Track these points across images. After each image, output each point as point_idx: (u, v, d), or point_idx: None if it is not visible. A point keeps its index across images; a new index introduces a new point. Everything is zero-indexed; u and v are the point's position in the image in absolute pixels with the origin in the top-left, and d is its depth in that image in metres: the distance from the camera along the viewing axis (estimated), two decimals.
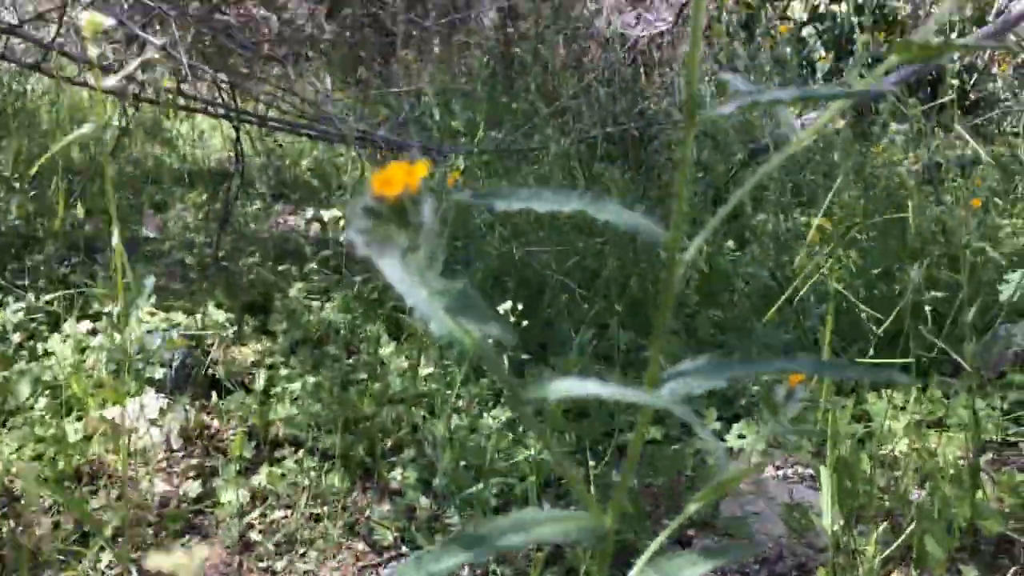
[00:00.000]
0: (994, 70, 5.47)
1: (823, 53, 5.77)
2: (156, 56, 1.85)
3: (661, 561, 0.66)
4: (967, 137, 3.61)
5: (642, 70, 5.14)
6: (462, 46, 5.01)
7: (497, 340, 0.53)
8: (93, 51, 1.07)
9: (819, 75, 5.22)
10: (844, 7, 5.95)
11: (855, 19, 5.87)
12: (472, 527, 0.58)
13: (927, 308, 1.98)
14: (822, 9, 5.99)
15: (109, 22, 1.03)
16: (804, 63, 5.55)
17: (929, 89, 5.02)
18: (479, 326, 0.49)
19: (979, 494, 1.43)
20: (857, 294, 2.62)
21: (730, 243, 3.02)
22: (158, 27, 2.05)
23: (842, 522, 1.43)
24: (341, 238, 3.32)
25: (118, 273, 1.24)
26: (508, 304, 1.69)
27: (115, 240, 1.18)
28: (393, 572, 1.53)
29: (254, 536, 1.57)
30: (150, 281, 1.41)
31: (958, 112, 4.63)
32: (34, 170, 2.05)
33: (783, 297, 2.06)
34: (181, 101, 2.53)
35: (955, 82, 5.56)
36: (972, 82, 5.42)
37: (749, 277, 2.59)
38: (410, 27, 4.59)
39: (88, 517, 1.51)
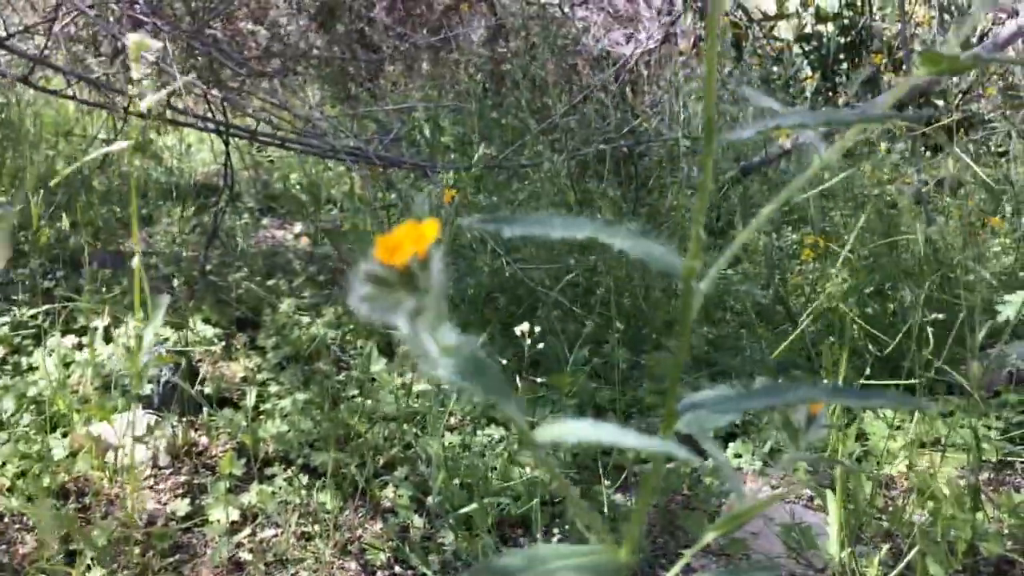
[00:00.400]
0: (980, 91, 5.52)
1: (809, 73, 5.81)
2: (147, 69, 1.82)
3: None
4: (964, 158, 3.62)
5: (631, 88, 5.16)
6: (451, 63, 5.01)
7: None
8: (136, 72, 1.05)
9: (807, 94, 5.24)
10: (830, 28, 6.00)
11: (840, 40, 5.92)
12: (482, 565, 0.55)
13: (924, 328, 1.97)
14: (808, 29, 6.03)
15: (156, 45, 1.01)
16: (791, 82, 5.59)
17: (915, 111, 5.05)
18: (489, 396, 0.48)
19: (979, 515, 1.42)
20: (850, 312, 2.62)
21: (723, 260, 3.01)
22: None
23: (844, 543, 1.41)
24: (330, 251, 3.30)
25: (136, 294, 1.22)
26: (525, 326, 1.67)
27: (135, 261, 1.15)
28: None
29: (244, 555, 1.54)
30: (164, 299, 1.38)
31: (960, 134, 4.66)
32: (54, 182, 2.01)
33: (782, 315, 2.05)
34: (171, 116, 2.50)
35: (940, 103, 5.62)
36: (956, 104, 5.46)
37: (741, 295, 2.59)
38: (399, 43, 4.59)
39: (83, 535, 1.47)
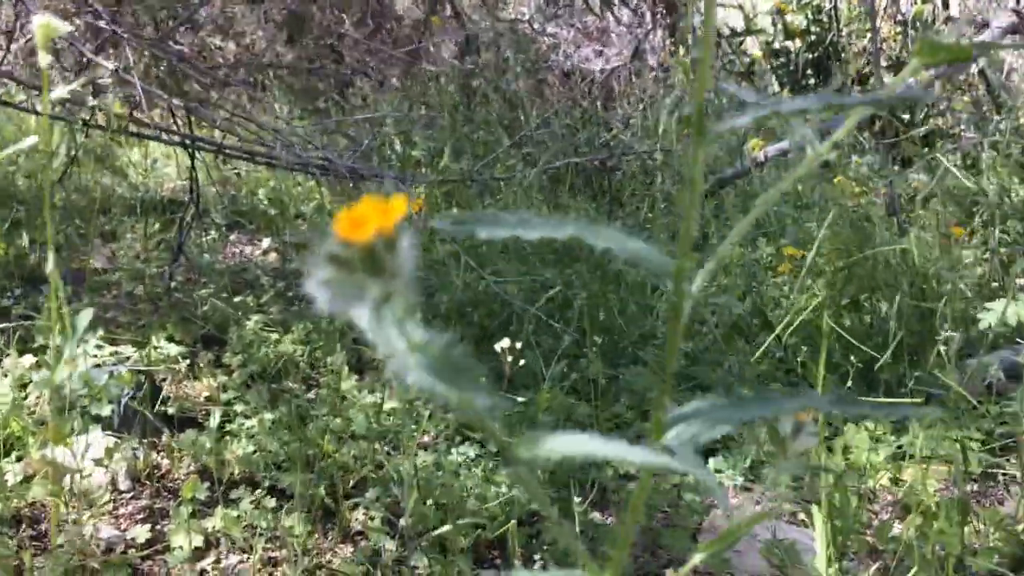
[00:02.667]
0: (943, 105, 5.57)
1: (778, 88, 5.85)
2: (108, 78, 1.77)
3: None
4: (949, 166, 3.64)
5: (600, 103, 5.14)
6: (422, 77, 4.97)
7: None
8: (44, 60, 0.99)
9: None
10: (798, 43, 6.05)
11: (808, 55, 5.96)
12: None
13: (902, 339, 1.95)
14: (776, 45, 6.07)
15: (64, 28, 0.95)
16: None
17: (884, 125, 5.08)
18: (466, 393, 0.42)
19: (967, 529, 1.39)
20: (827, 324, 2.60)
21: (700, 272, 2.99)
22: (111, 51, 1.96)
23: (831, 559, 1.37)
24: (299, 268, 3.23)
25: (53, 304, 1.16)
26: (506, 342, 1.62)
27: (50, 266, 1.09)
28: None
29: None
30: (87, 313, 1.31)
31: (930, 146, 4.70)
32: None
33: (760, 328, 2.02)
34: (134, 128, 2.43)
35: (907, 116, 5.67)
36: (924, 116, 5.51)
37: (718, 308, 2.56)
38: (369, 58, 4.54)
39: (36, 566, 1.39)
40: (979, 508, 1.59)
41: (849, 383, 1.92)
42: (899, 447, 1.82)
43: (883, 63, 5.66)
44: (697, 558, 0.64)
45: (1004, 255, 2.83)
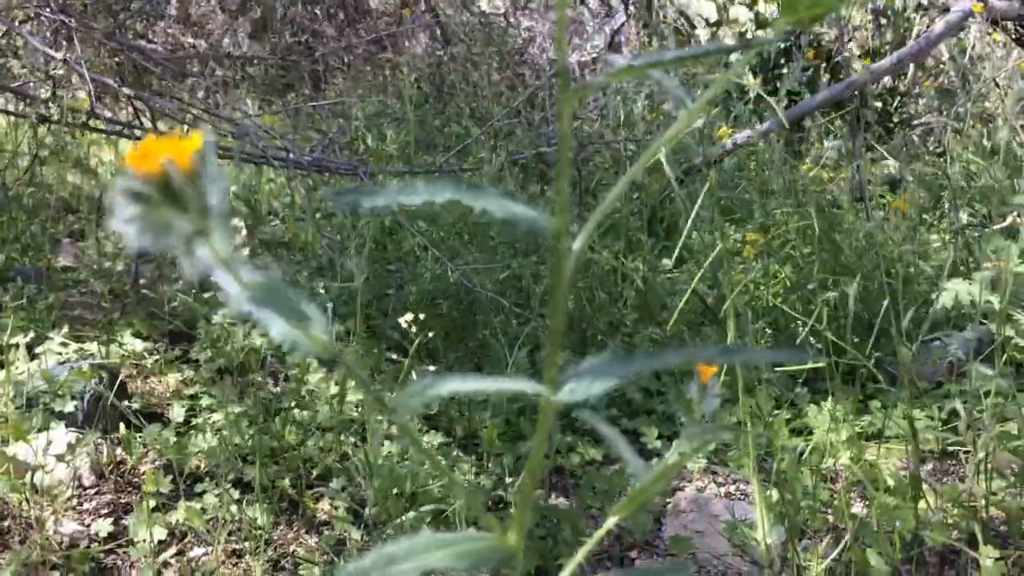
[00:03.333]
0: (916, 90, 5.62)
1: (751, 78, 5.87)
2: (60, 70, 1.75)
3: None
4: (893, 155, 3.67)
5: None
6: (394, 68, 4.96)
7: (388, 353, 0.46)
8: None
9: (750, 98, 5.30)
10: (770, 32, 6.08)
11: (779, 45, 5.98)
12: (353, 561, 0.50)
13: (870, 322, 1.97)
14: (749, 35, 6.09)
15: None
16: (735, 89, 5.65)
17: (856, 111, 5.12)
18: (291, 322, 0.43)
19: (921, 505, 1.40)
20: (794, 308, 2.62)
21: (666, 261, 3.00)
22: (65, 44, 1.94)
23: (785, 537, 1.39)
24: (270, 263, 3.22)
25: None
26: (410, 316, 1.64)
27: None
28: None
29: None
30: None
31: (895, 132, 4.73)
32: None
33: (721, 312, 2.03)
34: (95, 123, 2.41)
35: (879, 104, 5.70)
36: (896, 103, 5.55)
37: (685, 294, 2.57)
38: (342, 51, 4.52)
39: None
40: (939, 485, 1.60)
41: (811, 364, 1.94)
42: (860, 428, 1.84)
43: (856, 51, 5.70)
44: (611, 521, 0.64)
45: (969, 237, 2.86)
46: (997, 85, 4.25)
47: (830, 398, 2.06)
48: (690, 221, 2.23)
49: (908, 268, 2.72)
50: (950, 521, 1.51)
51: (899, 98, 5.55)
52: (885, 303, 2.26)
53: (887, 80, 5.48)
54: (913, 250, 2.82)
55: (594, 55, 5.91)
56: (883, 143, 4.65)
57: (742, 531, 1.50)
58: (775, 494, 1.45)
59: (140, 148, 0.37)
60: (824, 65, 5.41)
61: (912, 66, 4.81)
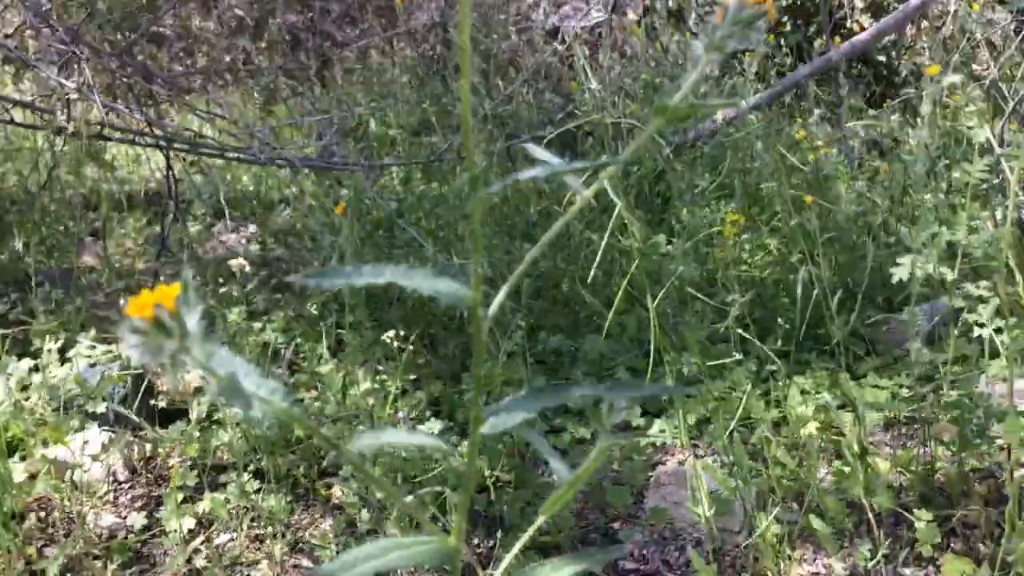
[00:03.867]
0: (918, 44, 5.63)
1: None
2: (73, 95, 1.89)
3: (524, 571, 0.74)
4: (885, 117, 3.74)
5: (585, 63, 5.17)
6: (399, 50, 5.05)
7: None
8: None
9: (749, 66, 5.35)
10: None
11: (782, 3, 6.00)
12: (326, 564, 0.65)
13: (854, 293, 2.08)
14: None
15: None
16: (737, 54, 5.68)
17: (848, 73, 5.17)
18: (245, 409, 0.57)
19: (885, 468, 1.54)
20: (783, 280, 2.74)
21: (661, 237, 3.12)
22: (75, 67, 2.08)
23: (751, 504, 1.53)
24: (282, 254, 3.37)
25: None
26: (392, 332, 1.79)
27: None
28: None
29: (200, 562, 1.63)
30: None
31: (891, 92, 4.78)
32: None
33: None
34: (109, 133, 2.56)
35: (882, 59, 5.73)
36: (898, 59, 5.57)
37: (676, 272, 2.69)
38: (348, 27, 4.62)
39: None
40: (898, 452, 1.74)
41: (795, 336, 2.07)
42: (830, 399, 1.97)
43: (860, 3, 5.72)
44: (541, 519, 0.78)
45: (954, 200, 2.95)
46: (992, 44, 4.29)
47: (808, 368, 2.20)
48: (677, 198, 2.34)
49: (890, 237, 2.83)
50: (904, 485, 1.65)
51: (904, 50, 5.58)
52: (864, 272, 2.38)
53: (890, 36, 5.50)
54: (899, 217, 2.92)
55: (596, 20, 5.95)
56: (885, 101, 4.71)
57: (715, 503, 1.64)
58: (738, 465, 1.59)
59: (138, 299, 0.52)
60: (828, 20, 5.43)
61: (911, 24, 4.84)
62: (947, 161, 3.35)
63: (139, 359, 0.54)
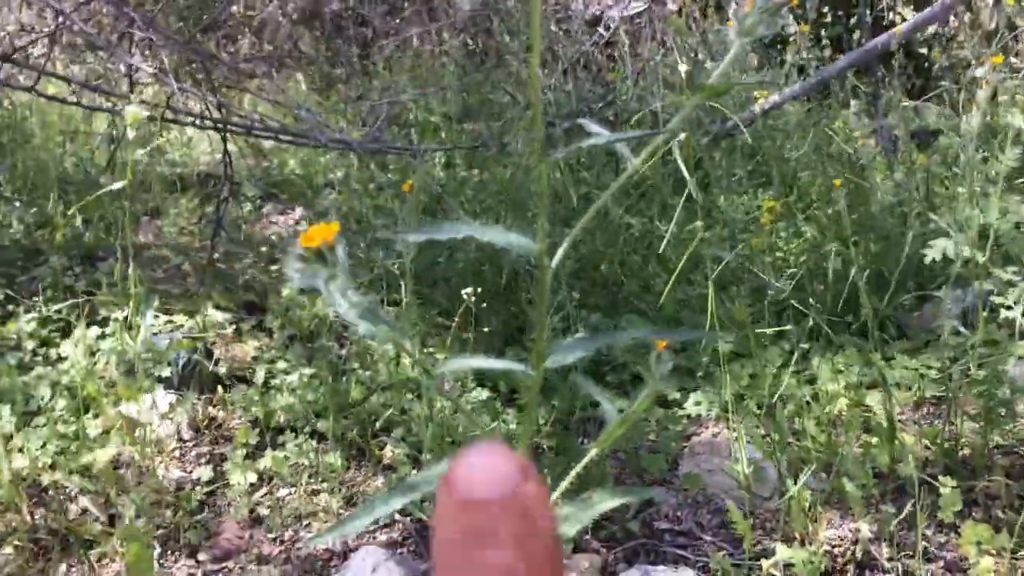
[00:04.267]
0: (960, 36, 5.62)
1: (795, 28, 5.90)
2: (148, 77, 2.01)
3: (574, 501, 0.83)
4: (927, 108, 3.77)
5: (623, 52, 5.23)
6: (439, 39, 5.14)
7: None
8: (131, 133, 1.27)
9: (792, 55, 5.38)
10: None
11: None
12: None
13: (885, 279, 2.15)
14: None
15: (145, 114, 1.22)
16: (780, 35, 5.72)
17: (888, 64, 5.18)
18: (377, 328, 0.67)
19: (896, 444, 1.61)
20: (818, 266, 2.80)
21: (699, 223, 3.18)
22: (148, 52, 2.20)
23: (783, 472, 1.61)
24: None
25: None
26: (470, 288, 1.88)
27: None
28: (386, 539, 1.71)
29: (263, 511, 1.75)
30: (153, 302, 1.58)
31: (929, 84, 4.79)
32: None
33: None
34: (171, 115, 2.68)
35: (924, 51, 5.74)
36: (939, 51, 5.57)
37: (714, 257, 2.77)
38: (387, 26, 4.73)
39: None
40: (924, 427, 1.81)
41: (826, 319, 2.14)
42: (863, 377, 2.04)
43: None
44: (593, 452, 0.88)
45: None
46: None
47: (840, 351, 2.27)
48: (709, 186, 2.41)
49: (927, 225, 2.88)
50: (930, 459, 1.72)
51: (945, 43, 5.58)
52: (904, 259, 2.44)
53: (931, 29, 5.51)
54: (931, 206, 2.97)
55: (639, 8, 5.99)
56: (925, 93, 4.72)
57: (748, 470, 1.73)
58: (772, 435, 1.67)
59: (307, 233, 0.62)
60: (866, 11, 5.44)
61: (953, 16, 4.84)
62: (985, 153, 3.38)
63: (297, 283, 0.64)
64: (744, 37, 0.79)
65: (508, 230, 0.79)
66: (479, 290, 2.68)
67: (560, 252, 0.77)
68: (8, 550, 1.63)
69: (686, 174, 1.85)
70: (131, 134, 1.28)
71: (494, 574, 0.19)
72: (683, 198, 3.27)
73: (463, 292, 2.08)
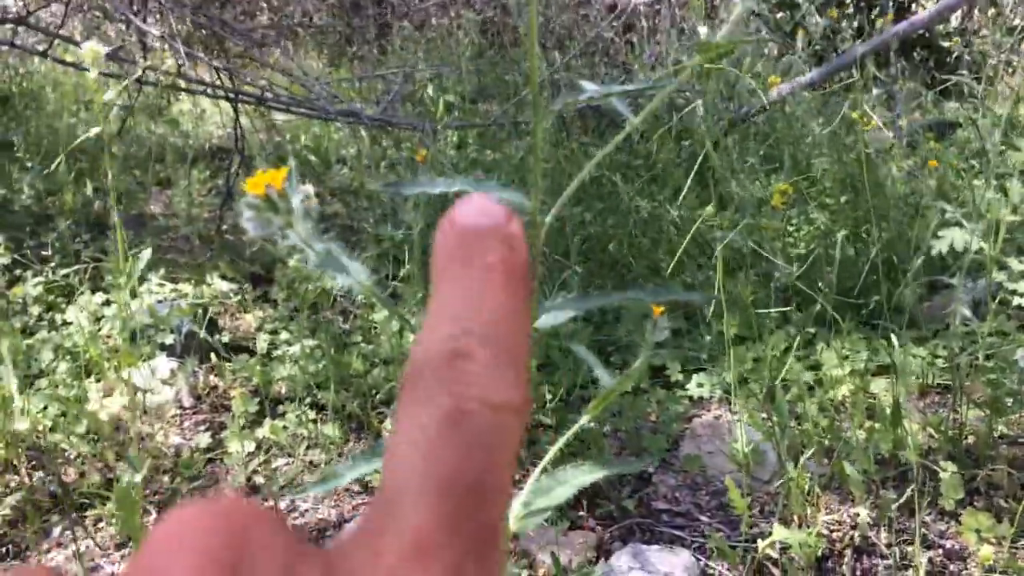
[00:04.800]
0: (982, 29, 5.55)
1: (817, 19, 5.85)
2: (156, 42, 1.99)
3: (556, 471, 0.82)
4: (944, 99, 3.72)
5: (644, 34, 5.18)
6: (455, 18, 5.11)
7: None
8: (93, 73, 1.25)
9: (801, 39, 5.32)
10: None
11: None
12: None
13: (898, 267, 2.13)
14: None
15: (105, 51, 1.20)
16: (800, 25, 5.66)
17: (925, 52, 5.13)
18: (339, 274, 0.66)
19: (900, 431, 1.60)
20: (828, 252, 2.78)
21: (710, 208, 3.16)
22: (158, 17, 2.19)
23: (783, 455, 1.60)
24: (339, 210, 3.49)
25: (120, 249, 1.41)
26: None
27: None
28: None
29: (260, 480, 1.75)
30: (146, 253, 1.58)
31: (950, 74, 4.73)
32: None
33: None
34: (182, 83, 2.67)
35: (946, 44, 5.67)
36: (965, 43, 5.50)
37: (722, 241, 2.74)
38: (403, 3, 4.71)
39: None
40: (931, 416, 1.79)
41: (832, 307, 2.12)
42: (868, 363, 2.02)
43: None
44: (584, 419, 0.86)
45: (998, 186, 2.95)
46: None
47: (848, 336, 2.24)
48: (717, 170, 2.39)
49: (939, 216, 2.84)
50: (933, 447, 1.70)
51: (969, 36, 5.51)
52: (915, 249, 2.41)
53: (955, 17, 5.45)
54: (942, 196, 2.93)
55: None
56: (942, 85, 4.66)
57: (748, 452, 1.71)
58: (772, 418, 1.65)
59: (254, 179, 0.60)
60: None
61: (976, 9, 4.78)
62: (1003, 146, 3.34)
63: (253, 232, 0.63)
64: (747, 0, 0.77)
65: (502, 186, 0.77)
66: None
67: (553, 210, 0.75)
68: (5, 511, 1.64)
69: (710, 150, 1.82)
70: (93, 73, 1.27)
71: (495, 267, 0.23)
72: (689, 180, 3.25)
73: None
